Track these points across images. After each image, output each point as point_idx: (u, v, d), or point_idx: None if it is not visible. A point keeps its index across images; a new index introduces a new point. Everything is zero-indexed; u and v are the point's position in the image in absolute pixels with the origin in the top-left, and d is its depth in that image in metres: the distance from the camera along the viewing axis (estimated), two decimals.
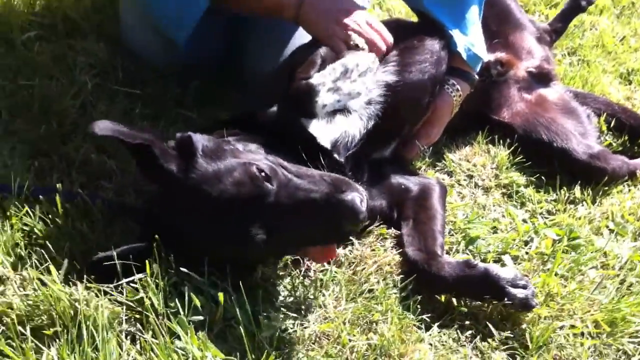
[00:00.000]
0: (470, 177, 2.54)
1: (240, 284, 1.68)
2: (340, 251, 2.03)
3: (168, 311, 1.63)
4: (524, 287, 1.96)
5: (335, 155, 2.05)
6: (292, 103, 2.04)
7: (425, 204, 2.25)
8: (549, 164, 2.62)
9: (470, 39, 2.43)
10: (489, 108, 2.76)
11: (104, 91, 2.34)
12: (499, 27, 2.91)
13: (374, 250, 2.08)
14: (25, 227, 1.78)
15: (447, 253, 2.16)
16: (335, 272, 1.95)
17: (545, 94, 2.83)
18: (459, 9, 2.43)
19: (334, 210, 1.65)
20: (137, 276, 1.64)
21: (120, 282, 1.64)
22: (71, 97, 2.22)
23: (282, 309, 1.81)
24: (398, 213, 2.24)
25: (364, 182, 2.14)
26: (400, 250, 2.11)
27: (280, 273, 1.90)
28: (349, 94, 2.07)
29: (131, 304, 1.64)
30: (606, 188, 2.62)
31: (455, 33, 2.40)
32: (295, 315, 1.81)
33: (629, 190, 2.68)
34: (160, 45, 2.36)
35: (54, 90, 2.23)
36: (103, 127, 1.61)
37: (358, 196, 1.67)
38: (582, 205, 2.53)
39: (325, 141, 2.05)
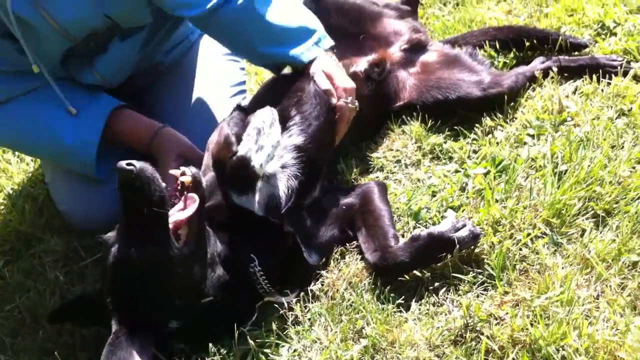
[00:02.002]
0: (398, 161, 2.78)
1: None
2: (313, 287, 2.30)
3: None
4: (464, 225, 2.21)
5: (271, 218, 2.30)
6: (232, 182, 2.27)
7: (369, 208, 2.46)
8: (456, 113, 2.86)
9: (312, 40, 2.65)
10: (390, 102, 2.98)
11: (75, 274, 2.66)
12: (361, 27, 3.13)
13: (340, 270, 2.34)
14: None
15: (402, 236, 2.40)
16: (317, 308, 2.21)
17: (426, 59, 3.05)
18: (286, 30, 2.62)
19: None
20: None
21: None
22: (50, 295, 2.55)
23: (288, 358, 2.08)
24: (351, 229, 2.46)
25: (307, 228, 2.39)
26: (362, 257, 2.36)
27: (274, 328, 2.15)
28: (272, 146, 2.30)
29: None
30: (513, 102, 2.84)
31: (303, 49, 2.62)
32: (297, 358, 2.07)
33: (535, 92, 2.89)
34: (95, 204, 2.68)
35: (34, 299, 2.56)
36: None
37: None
38: (499, 130, 2.76)
39: (258, 210, 2.31)
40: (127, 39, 2.63)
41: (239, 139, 2.29)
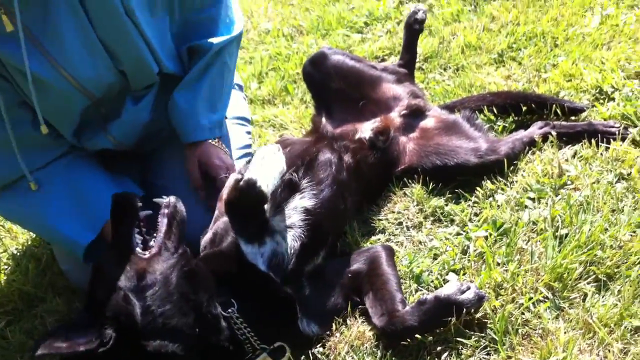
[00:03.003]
0: (400, 223, 2.81)
1: None
2: (314, 350, 2.29)
3: None
4: (468, 287, 2.22)
5: (272, 275, 2.32)
6: (238, 208, 2.33)
7: (377, 272, 2.48)
8: (455, 179, 2.89)
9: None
10: (392, 167, 3.01)
11: None
12: (360, 91, 3.20)
13: (341, 333, 2.34)
14: None
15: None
16: None
17: (425, 125, 3.11)
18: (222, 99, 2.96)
19: None
20: None
21: None
22: (52, 357, 2.53)
23: None
24: (358, 295, 2.46)
25: (305, 296, 2.41)
26: (363, 321, 2.36)
27: None
28: (279, 172, 2.39)
29: None
30: (513, 166, 2.87)
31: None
32: None
33: (535, 155, 2.93)
34: None
35: None
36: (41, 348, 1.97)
37: None
38: (499, 193, 2.78)
39: (260, 264, 2.34)
40: (138, 102, 2.70)
41: None
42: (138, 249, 2.26)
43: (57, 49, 2.40)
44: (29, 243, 3.29)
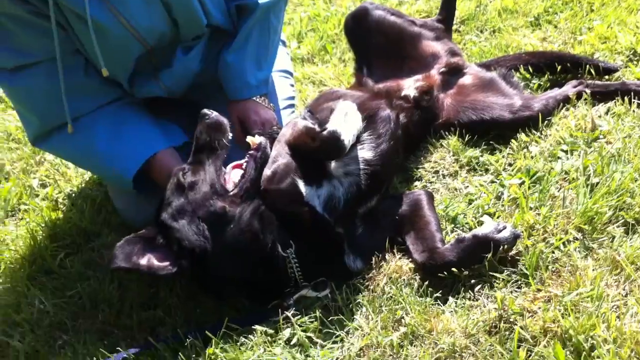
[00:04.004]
0: (436, 172, 2.94)
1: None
2: (356, 281, 2.45)
3: None
4: (504, 227, 2.36)
5: (326, 216, 2.48)
6: (321, 153, 2.48)
7: (419, 213, 2.63)
8: (489, 133, 3.02)
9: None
10: (433, 121, 3.14)
11: None
12: (400, 47, 3.32)
13: (380, 267, 2.49)
14: None
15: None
16: (358, 300, 2.36)
17: (463, 82, 3.23)
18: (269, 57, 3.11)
19: None
20: None
21: None
22: (109, 283, 2.74)
23: (330, 342, 2.23)
24: (399, 234, 2.61)
25: (357, 235, 2.57)
26: (401, 257, 2.51)
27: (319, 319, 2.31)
28: (357, 129, 2.54)
29: None
30: (547, 121, 2.99)
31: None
32: (340, 344, 2.22)
33: (569, 111, 3.04)
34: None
35: (94, 287, 2.74)
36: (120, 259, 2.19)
37: None
38: (534, 145, 2.90)
39: (317, 205, 2.48)
40: (188, 52, 2.85)
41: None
42: (226, 183, 2.46)
43: None
44: (83, 185, 3.48)
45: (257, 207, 2.38)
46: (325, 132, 2.41)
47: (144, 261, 2.24)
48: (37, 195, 3.51)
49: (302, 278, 2.42)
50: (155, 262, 2.26)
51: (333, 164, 2.54)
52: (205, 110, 2.58)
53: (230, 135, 2.58)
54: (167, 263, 2.26)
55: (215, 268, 2.33)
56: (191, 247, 2.28)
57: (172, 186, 2.43)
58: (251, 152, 2.50)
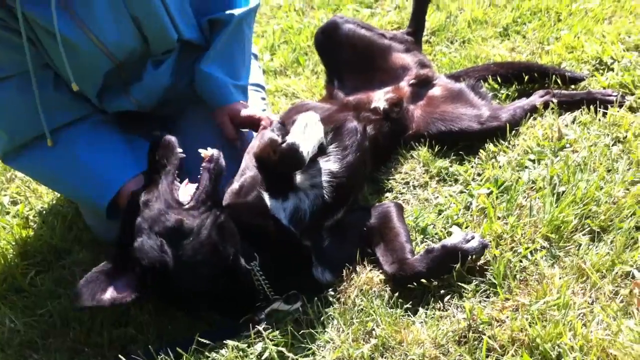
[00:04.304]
0: (407, 183, 2.97)
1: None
2: (327, 294, 2.46)
3: None
4: (473, 237, 2.39)
5: (292, 229, 2.49)
6: (280, 165, 2.46)
7: (389, 225, 2.65)
8: (459, 143, 3.06)
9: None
10: (402, 133, 3.18)
11: None
12: (370, 60, 3.35)
13: (351, 279, 2.50)
14: None
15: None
16: (329, 312, 2.37)
17: (432, 93, 3.28)
18: (244, 65, 3.12)
19: None
20: None
21: None
22: None
23: (302, 356, 2.23)
24: (369, 246, 2.63)
25: (324, 247, 2.58)
26: (371, 268, 2.53)
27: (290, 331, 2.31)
28: (318, 140, 2.54)
29: None
30: (515, 131, 3.03)
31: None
32: (312, 358, 2.23)
33: (536, 121, 3.08)
34: None
35: (65, 305, 2.72)
36: (85, 299, 2.16)
37: None
38: (501, 155, 2.94)
39: (283, 218, 2.49)
40: (159, 66, 2.86)
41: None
42: (179, 197, 2.46)
43: (85, 13, 2.56)
44: (54, 202, 3.46)
45: (215, 219, 2.37)
46: (284, 145, 2.41)
47: (106, 296, 2.21)
48: (8, 213, 3.48)
49: (271, 291, 2.42)
50: (117, 294, 2.23)
51: (299, 177, 2.55)
52: (155, 133, 2.60)
53: (180, 151, 2.57)
54: (127, 292, 2.24)
55: (178, 283, 2.30)
56: (151, 264, 2.25)
57: (127, 209, 2.42)
58: (204, 164, 2.49)
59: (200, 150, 2.53)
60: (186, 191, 2.50)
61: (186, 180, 2.57)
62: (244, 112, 2.94)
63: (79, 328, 2.61)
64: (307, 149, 2.43)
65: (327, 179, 2.62)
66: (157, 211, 2.35)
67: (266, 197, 2.48)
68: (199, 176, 2.48)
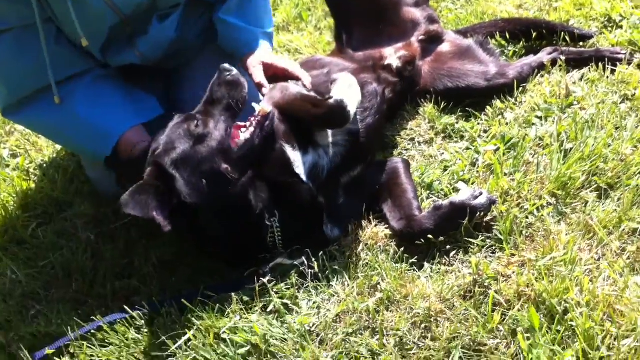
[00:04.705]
0: (412, 139, 2.94)
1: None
2: (333, 248, 2.45)
3: (219, 356, 2.08)
4: (481, 193, 2.38)
5: (309, 183, 2.47)
6: (324, 121, 2.48)
7: (397, 182, 2.64)
8: (465, 101, 3.02)
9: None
10: (410, 90, 3.14)
11: (105, 235, 2.82)
12: (380, 13, 3.26)
13: (356, 234, 2.49)
14: None
15: None
16: (334, 266, 2.36)
17: (441, 49, 3.23)
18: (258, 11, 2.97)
19: None
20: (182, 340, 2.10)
21: None
22: (83, 253, 2.71)
23: (307, 309, 2.23)
24: (377, 201, 2.61)
25: (338, 205, 2.57)
26: (385, 225, 2.52)
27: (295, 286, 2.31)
28: (357, 100, 2.54)
29: None
30: (522, 87, 3.00)
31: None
32: (316, 310, 2.22)
33: (543, 78, 3.04)
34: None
35: (67, 257, 2.71)
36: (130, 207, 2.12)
37: None
38: (508, 112, 2.91)
39: (300, 170, 2.47)
40: (164, 20, 2.80)
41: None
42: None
43: None
44: (55, 155, 3.43)
45: (254, 175, 2.35)
46: (332, 101, 2.41)
47: (153, 213, 2.19)
48: (8, 166, 3.45)
49: (282, 246, 2.41)
50: (161, 220, 2.21)
51: (319, 134, 2.53)
52: (226, 66, 2.48)
53: (246, 96, 2.49)
54: (167, 222, 2.20)
55: (205, 224, 2.31)
56: (190, 203, 2.23)
57: (179, 130, 2.35)
58: (259, 118, 2.41)
59: (254, 105, 2.46)
60: (236, 135, 2.42)
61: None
62: (281, 64, 2.79)
63: (82, 280, 2.61)
64: (352, 108, 2.45)
65: (346, 137, 2.60)
66: (210, 150, 2.30)
67: (288, 149, 2.46)
68: (247, 124, 2.42)
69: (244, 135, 2.38)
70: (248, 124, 2.42)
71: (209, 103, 2.45)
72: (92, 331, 2.31)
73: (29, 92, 2.66)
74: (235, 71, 2.47)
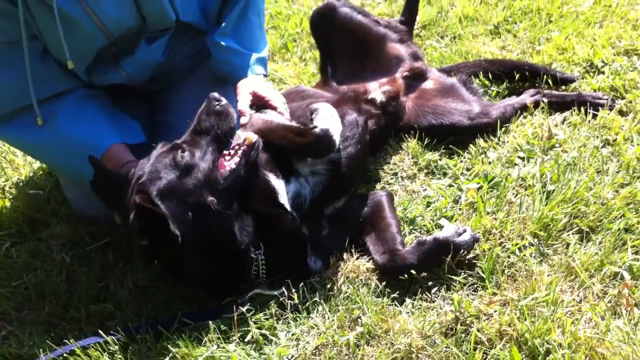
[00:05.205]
0: (395, 174, 2.94)
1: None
2: (314, 280, 2.43)
3: None
4: (464, 230, 2.38)
5: (294, 213, 2.44)
6: (309, 149, 2.48)
7: (381, 215, 2.64)
8: (448, 138, 3.04)
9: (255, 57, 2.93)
10: (393, 126, 3.15)
11: (81, 257, 2.76)
12: (365, 48, 3.31)
13: (337, 266, 2.47)
14: None
15: None
16: (315, 298, 2.33)
17: (425, 87, 3.26)
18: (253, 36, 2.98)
19: None
20: None
21: None
22: (57, 275, 2.65)
23: (286, 340, 2.20)
24: (361, 234, 2.60)
25: (321, 237, 2.55)
26: (367, 258, 2.51)
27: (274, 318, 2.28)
28: (339, 130, 2.52)
29: None
30: (505, 128, 3.02)
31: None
32: (295, 342, 2.19)
33: (526, 119, 3.08)
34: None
35: (41, 278, 2.65)
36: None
37: None
38: (491, 151, 2.93)
39: (284, 199, 2.45)
40: (152, 43, 2.80)
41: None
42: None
43: None
44: (32, 174, 3.37)
45: (239, 208, 2.32)
46: (318, 130, 2.42)
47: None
48: None
49: (265, 277, 2.39)
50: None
51: (300, 163, 2.53)
52: (216, 95, 2.45)
53: (234, 128, 2.48)
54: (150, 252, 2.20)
55: (188, 256, 2.24)
56: (173, 235, 2.16)
57: (164, 160, 2.31)
58: (244, 148, 2.38)
59: (240, 133, 2.45)
60: (222, 164, 2.39)
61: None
62: (273, 102, 2.76)
63: (55, 302, 2.55)
64: (337, 136, 2.45)
65: (327, 167, 2.59)
66: (196, 182, 2.27)
67: (272, 178, 2.44)
68: (229, 155, 2.40)
69: (228, 164, 2.35)
70: (232, 151, 2.40)
71: (195, 132, 2.41)
72: (65, 355, 2.24)
73: (10, 109, 2.62)
74: (224, 101, 2.45)
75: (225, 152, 2.40)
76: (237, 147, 2.39)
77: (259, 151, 2.40)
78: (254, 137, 2.40)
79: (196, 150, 2.35)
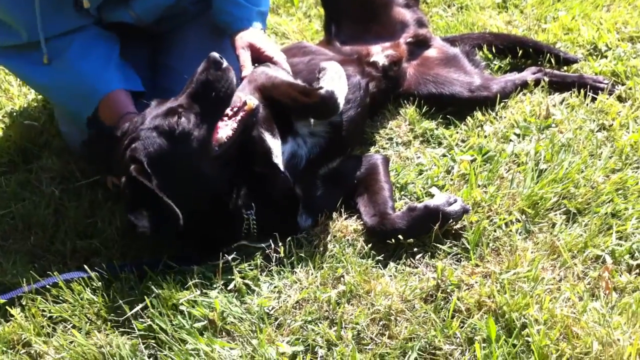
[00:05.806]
0: (390, 139, 2.95)
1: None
2: (301, 236, 2.45)
3: (174, 327, 2.05)
4: (455, 200, 2.39)
5: (286, 174, 2.45)
6: (313, 110, 2.47)
7: (375, 177, 2.64)
8: (447, 108, 3.04)
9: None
10: (393, 90, 3.14)
11: (70, 192, 2.76)
12: (371, 10, 3.27)
13: (325, 225, 2.49)
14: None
15: None
16: (300, 254, 2.35)
17: (427, 54, 3.24)
18: None
19: None
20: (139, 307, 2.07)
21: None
22: (45, 207, 2.66)
23: (268, 293, 2.22)
24: (353, 194, 2.61)
25: (314, 196, 2.55)
26: (356, 219, 2.53)
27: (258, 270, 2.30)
28: (345, 92, 2.52)
29: (143, 332, 2.07)
30: (504, 103, 3.03)
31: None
32: (277, 295, 2.21)
33: (525, 97, 3.08)
34: None
35: (29, 208, 2.66)
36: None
37: None
38: (488, 125, 2.93)
39: (278, 160, 2.44)
40: None
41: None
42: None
43: None
44: (26, 105, 3.35)
45: (231, 173, 2.33)
46: (323, 91, 2.40)
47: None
48: None
49: (255, 235, 2.40)
50: (140, 223, 2.18)
51: (300, 123, 2.52)
52: (216, 56, 2.34)
53: (234, 91, 2.42)
54: (148, 226, 2.18)
55: (185, 224, 2.20)
56: (168, 207, 2.16)
57: (160, 125, 2.27)
58: (244, 114, 2.34)
59: (238, 94, 2.41)
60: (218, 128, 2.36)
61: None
62: (269, 52, 2.74)
63: (42, 234, 2.57)
64: (341, 99, 2.44)
65: (326, 129, 2.59)
66: (191, 152, 2.26)
67: (268, 137, 2.43)
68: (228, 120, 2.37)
69: (225, 131, 2.33)
70: (230, 113, 2.37)
71: (192, 95, 2.34)
72: (47, 286, 2.26)
73: (22, 42, 2.61)
74: (225, 63, 2.36)
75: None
76: (235, 109, 2.36)
77: (258, 116, 2.37)
78: (254, 103, 2.35)
79: (192, 115, 2.30)
